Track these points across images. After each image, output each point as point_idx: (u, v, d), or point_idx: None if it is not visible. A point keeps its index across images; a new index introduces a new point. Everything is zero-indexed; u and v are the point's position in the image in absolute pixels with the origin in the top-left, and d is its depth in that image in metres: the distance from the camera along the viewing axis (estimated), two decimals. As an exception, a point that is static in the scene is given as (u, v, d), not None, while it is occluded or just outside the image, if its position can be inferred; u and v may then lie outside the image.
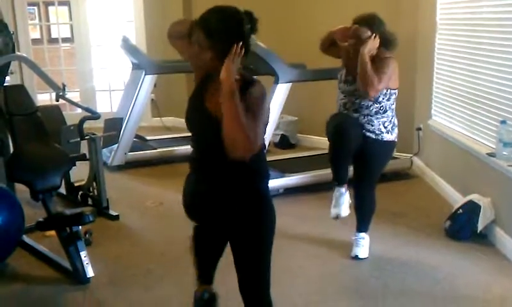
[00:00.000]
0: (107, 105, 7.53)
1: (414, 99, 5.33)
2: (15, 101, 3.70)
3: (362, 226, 3.53)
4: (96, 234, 3.78)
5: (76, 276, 3.21)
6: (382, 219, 3.91)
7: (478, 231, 3.69)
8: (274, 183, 4.55)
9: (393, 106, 3.34)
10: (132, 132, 5.54)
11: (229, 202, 2.05)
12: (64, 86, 4.16)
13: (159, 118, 7.26)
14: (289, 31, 5.85)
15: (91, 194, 4.42)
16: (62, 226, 3.26)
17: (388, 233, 3.87)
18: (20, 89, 3.92)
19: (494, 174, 3.64)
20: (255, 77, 2.03)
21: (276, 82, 4.66)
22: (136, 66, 5.66)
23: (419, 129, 5.21)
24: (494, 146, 3.68)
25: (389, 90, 3.26)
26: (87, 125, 4.24)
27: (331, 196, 3.46)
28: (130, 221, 4.22)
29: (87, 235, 3.65)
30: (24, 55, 5.06)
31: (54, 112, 4.45)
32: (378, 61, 3.19)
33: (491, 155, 3.66)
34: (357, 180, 3.49)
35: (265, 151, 2.12)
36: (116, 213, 4.24)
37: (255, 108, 1.89)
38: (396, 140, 3.40)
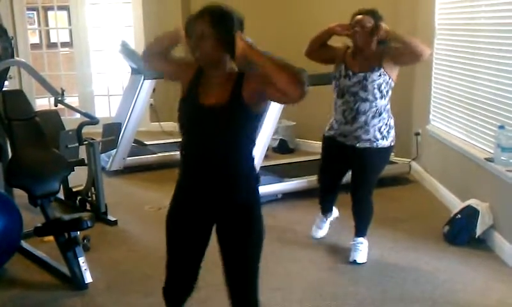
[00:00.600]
0: (105, 110, 7.53)
1: (412, 104, 5.34)
2: (13, 106, 3.70)
3: (360, 231, 3.53)
4: (94, 239, 3.77)
5: (74, 282, 3.20)
6: (380, 224, 3.91)
7: (476, 236, 3.70)
8: (272, 187, 4.56)
9: (388, 106, 3.35)
10: (130, 137, 5.54)
11: (221, 205, 2.07)
12: (63, 91, 4.17)
13: (157, 123, 7.26)
14: (288, 36, 5.85)
15: (89, 199, 4.41)
16: (60, 231, 3.26)
17: (386, 238, 3.87)
18: (18, 94, 3.92)
19: (492, 179, 3.64)
20: None
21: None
22: (134, 71, 5.66)
23: (417, 134, 5.22)
24: (492, 151, 3.68)
25: (390, 80, 3.27)
26: (85, 130, 4.24)
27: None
28: (128, 226, 4.22)
29: (85, 241, 3.65)
30: (23, 60, 5.07)
31: (52, 117, 4.45)
32: (387, 50, 3.22)
33: (489, 160, 3.66)
34: (354, 186, 3.50)
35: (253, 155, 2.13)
36: (115, 219, 4.24)
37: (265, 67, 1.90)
38: (392, 144, 3.40)
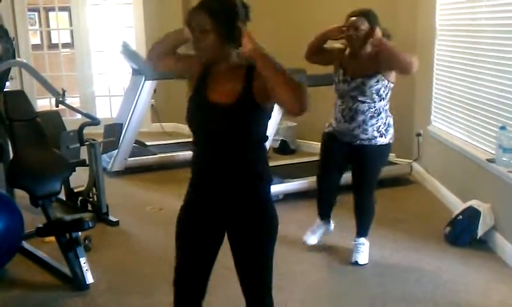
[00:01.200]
0: (107, 110, 7.53)
1: (414, 105, 5.34)
2: (14, 107, 3.71)
3: (362, 232, 3.53)
4: (95, 240, 3.77)
5: (75, 282, 3.21)
6: (382, 224, 3.91)
7: (478, 237, 3.69)
8: (274, 188, 4.50)
9: (387, 106, 3.35)
10: (131, 137, 5.54)
11: (233, 205, 2.03)
12: (64, 91, 4.17)
13: (158, 124, 7.27)
14: (289, 36, 5.85)
15: (90, 199, 4.42)
16: (61, 232, 3.26)
17: (388, 239, 3.86)
18: (19, 95, 3.94)
19: (494, 180, 3.64)
20: None
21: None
22: (135, 72, 5.66)
23: (419, 135, 5.22)
24: (494, 152, 3.68)
25: (389, 83, 3.26)
26: (87, 130, 4.25)
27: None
28: (129, 227, 4.22)
29: (86, 241, 3.65)
30: (24, 61, 5.08)
31: (53, 117, 4.45)
32: (382, 54, 3.19)
33: (490, 160, 3.66)
34: (355, 186, 3.50)
35: (267, 154, 2.10)
36: (116, 219, 4.24)
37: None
38: (391, 141, 3.40)
